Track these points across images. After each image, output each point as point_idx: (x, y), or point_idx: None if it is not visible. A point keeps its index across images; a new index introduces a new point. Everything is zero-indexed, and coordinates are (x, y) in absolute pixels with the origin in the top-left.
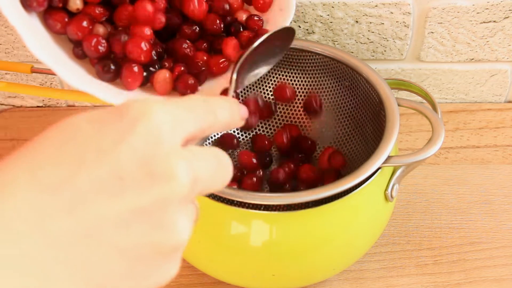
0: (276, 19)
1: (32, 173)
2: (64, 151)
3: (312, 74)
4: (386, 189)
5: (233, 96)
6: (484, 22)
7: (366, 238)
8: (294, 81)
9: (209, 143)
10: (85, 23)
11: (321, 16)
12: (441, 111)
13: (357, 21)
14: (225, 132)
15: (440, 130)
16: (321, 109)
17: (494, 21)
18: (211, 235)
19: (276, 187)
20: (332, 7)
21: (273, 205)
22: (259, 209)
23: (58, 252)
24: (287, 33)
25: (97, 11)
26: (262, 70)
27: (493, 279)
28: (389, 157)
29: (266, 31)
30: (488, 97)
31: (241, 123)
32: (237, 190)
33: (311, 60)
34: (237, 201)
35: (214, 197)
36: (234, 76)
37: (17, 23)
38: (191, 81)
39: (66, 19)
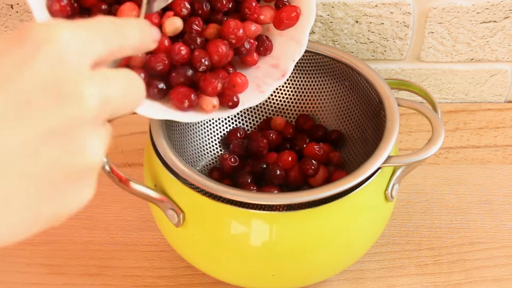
0: (297, 23)
1: None
2: None
3: (312, 74)
4: (386, 189)
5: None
6: (484, 22)
7: (366, 238)
8: (294, 81)
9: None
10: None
11: (321, 16)
12: (441, 111)
13: (357, 21)
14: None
15: (440, 130)
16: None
17: (494, 21)
18: (211, 235)
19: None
20: (332, 7)
21: (273, 205)
22: (259, 209)
23: None
24: None
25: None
26: None
27: (493, 279)
28: (389, 157)
29: None
30: (488, 97)
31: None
32: (237, 190)
33: (311, 60)
34: (237, 201)
35: (214, 197)
36: None
37: None
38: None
39: None
